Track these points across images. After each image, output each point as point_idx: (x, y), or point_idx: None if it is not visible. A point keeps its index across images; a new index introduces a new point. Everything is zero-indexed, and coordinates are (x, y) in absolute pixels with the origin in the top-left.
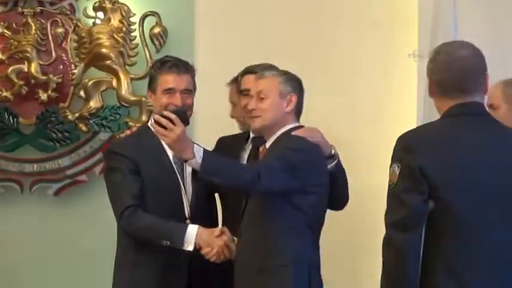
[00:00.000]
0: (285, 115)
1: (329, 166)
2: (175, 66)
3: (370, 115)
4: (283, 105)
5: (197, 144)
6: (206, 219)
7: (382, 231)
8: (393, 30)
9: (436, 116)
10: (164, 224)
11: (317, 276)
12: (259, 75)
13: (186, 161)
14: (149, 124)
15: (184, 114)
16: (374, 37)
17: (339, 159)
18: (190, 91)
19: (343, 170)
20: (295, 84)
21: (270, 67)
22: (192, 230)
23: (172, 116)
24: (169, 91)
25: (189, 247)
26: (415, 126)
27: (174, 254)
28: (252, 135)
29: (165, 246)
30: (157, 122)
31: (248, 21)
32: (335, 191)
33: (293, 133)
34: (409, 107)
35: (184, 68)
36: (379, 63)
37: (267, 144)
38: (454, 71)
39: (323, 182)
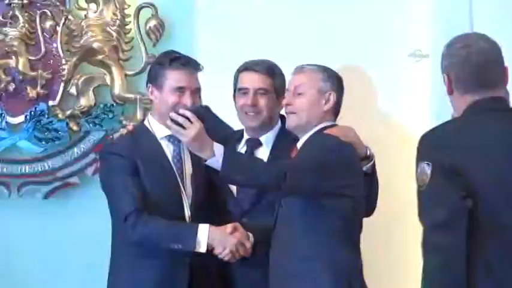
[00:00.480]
0: (321, 114)
1: (364, 168)
2: (188, 64)
3: (379, 115)
4: (321, 103)
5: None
6: (207, 220)
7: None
8: (403, 28)
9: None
10: (173, 226)
11: (359, 284)
12: (298, 69)
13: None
14: (145, 122)
15: (201, 112)
16: (381, 35)
17: (374, 161)
18: (200, 90)
19: (377, 174)
20: (335, 81)
21: (269, 63)
22: (204, 230)
23: (189, 114)
24: (180, 90)
25: (201, 249)
26: (427, 127)
27: (175, 257)
28: (246, 136)
29: (167, 249)
30: (173, 121)
31: (251, 15)
32: (369, 194)
33: (325, 131)
34: (420, 107)
35: (196, 65)
36: (385, 62)
37: (299, 144)
38: (474, 65)
39: (356, 182)
